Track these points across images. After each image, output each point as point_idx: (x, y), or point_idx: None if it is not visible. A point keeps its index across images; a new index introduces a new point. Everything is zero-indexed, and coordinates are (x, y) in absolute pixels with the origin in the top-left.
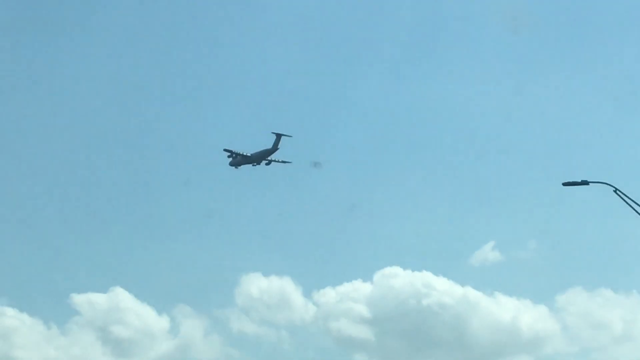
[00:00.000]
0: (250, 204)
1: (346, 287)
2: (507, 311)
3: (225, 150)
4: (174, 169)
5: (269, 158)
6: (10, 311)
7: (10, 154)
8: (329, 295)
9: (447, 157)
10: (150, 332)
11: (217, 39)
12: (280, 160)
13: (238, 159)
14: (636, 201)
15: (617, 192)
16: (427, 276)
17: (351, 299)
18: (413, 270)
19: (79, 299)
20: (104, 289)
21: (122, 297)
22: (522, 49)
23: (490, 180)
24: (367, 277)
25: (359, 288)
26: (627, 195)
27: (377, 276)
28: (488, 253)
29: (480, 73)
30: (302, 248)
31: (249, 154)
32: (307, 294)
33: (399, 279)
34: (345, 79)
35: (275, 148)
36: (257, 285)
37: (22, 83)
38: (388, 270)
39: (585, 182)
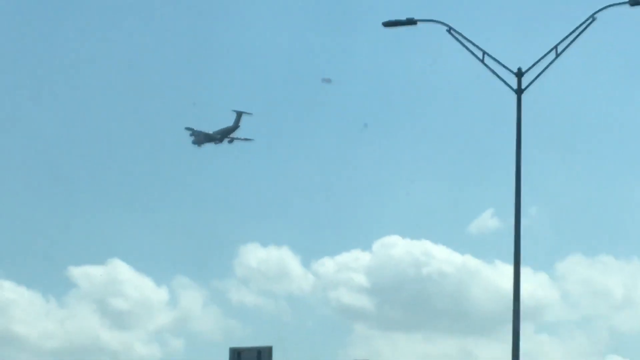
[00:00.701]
0: (244, 175)
1: (344, 257)
2: (507, 279)
3: (187, 128)
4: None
5: (231, 136)
6: (7, 284)
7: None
8: (327, 265)
9: (444, 123)
10: (149, 303)
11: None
12: (242, 138)
13: (200, 137)
14: None
15: None
16: (426, 245)
17: (350, 268)
18: (412, 239)
19: (77, 272)
20: (101, 261)
21: (120, 269)
22: None
23: (486, 146)
24: (365, 246)
25: (357, 257)
26: None
27: (376, 245)
28: (487, 220)
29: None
30: (299, 218)
31: (210, 132)
32: (305, 264)
33: (398, 248)
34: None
35: (236, 126)
36: (255, 255)
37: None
38: (387, 239)
39: None
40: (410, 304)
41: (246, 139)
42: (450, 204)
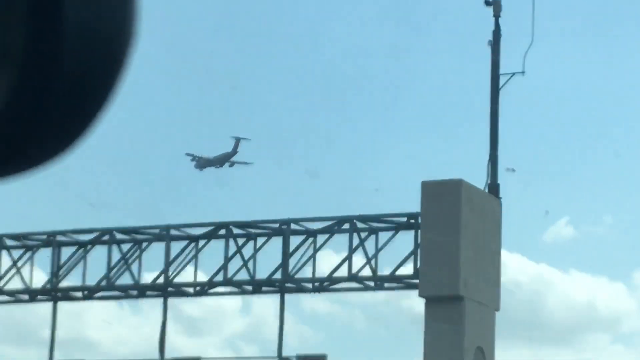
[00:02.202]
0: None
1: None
2: (582, 289)
3: (188, 154)
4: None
5: (231, 160)
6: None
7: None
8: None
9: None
10: (222, 310)
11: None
12: (242, 162)
13: (202, 162)
14: None
15: None
16: (502, 254)
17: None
18: None
19: (150, 278)
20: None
21: (191, 275)
22: None
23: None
24: None
25: None
26: None
27: None
28: (562, 229)
29: None
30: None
31: (211, 157)
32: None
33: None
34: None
35: (235, 151)
36: (330, 262)
37: None
38: None
39: None
40: None
41: (245, 163)
42: (524, 212)
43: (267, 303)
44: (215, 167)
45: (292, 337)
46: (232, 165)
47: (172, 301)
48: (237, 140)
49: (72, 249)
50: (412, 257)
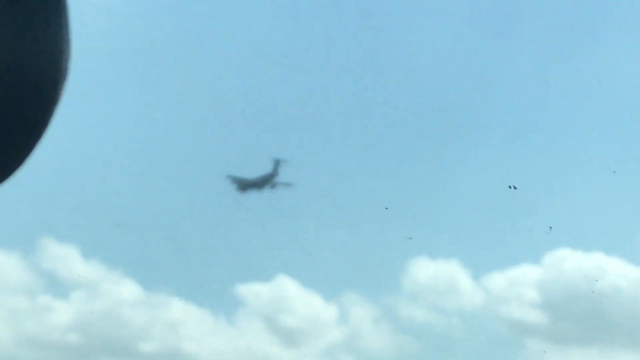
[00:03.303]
0: (411, 188)
1: (514, 271)
2: None
3: (230, 176)
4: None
5: (273, 181)
6: (176, 302)
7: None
8: (497, 279)
9: (616, 131)
10: (318, 320)
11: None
12: (283, 183)
13: (244, 185)
14: None
15: None
16: (599, 257)
17: (520, 283)
18: (584, 252)
19: (244, 289)
20: (268, 278)
21: (287, 285)
22: None
23: None
24: (535, 260)
25: (527, 271)
26: None
27: (546, 259)
28: None
29: None
30: (466, 231)
31: (252, 179)
32: (475, 277)
33: (569, 261)
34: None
35: (275, 173)
36: (424, 269)
37: None
38: (557, 252)
39: None
40: (584, 318)
41: (287, 184)
42: (623, 213)
43: (364, 312)
44: (257, 189)
45: (391, 346)
46: (274, 186)
47: (266, 311)
48: (277, 161)
49: None
50: None
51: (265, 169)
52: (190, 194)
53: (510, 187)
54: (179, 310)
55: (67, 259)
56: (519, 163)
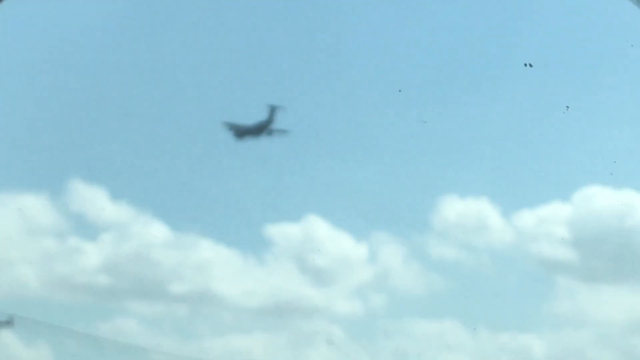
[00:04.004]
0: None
1: (544, 209)
2: None
3: (226, 123)
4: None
5: (269, 128)
6: (206, 242)
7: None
8: (527, 217)
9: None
10: (348, 260)
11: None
12: (279, 130)
13: (241, 131)
14: None
15: None
16: (629, 194)
17: (550, 220)
18: (614, 189)
19: (273, 230)
20: (297, 218)
21: (317, 225)
22: None
23: None
24: (565, 197)
25: (557, 209)
26: None
27: (576, 196)
28: None
29: None
30: (496, 168)
31: (247, 125)
32: (504, 215)
33: (599, 199)
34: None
35: (271, 120)
36: (453, 207)
37: None
38: (587, 189)
39: None
40: (614, 255)
41: (283, 130)
42: None
43: (394, 251)
44: (253, 136)
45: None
46: (270, 133)
47: (297, 250)
48: (273, 108)
49: None
50: None
51: (286, 115)
52: (211, 140)
53: (567, 107)
54: (209, 251)
55: (95, 200)
56: (547, 101)
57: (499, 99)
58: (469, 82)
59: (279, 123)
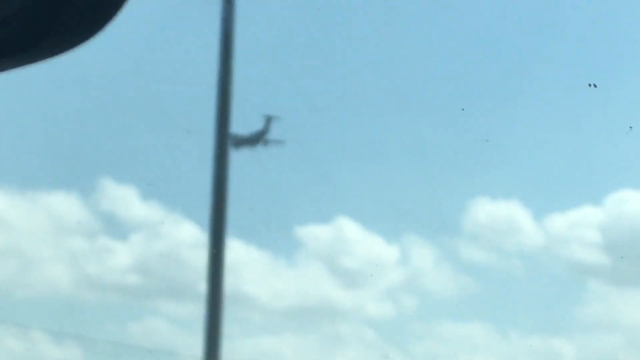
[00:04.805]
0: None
1: (576, 212)
2: None
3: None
4: None
5: (265, 138)
6: (237, 244)
7: None
8: (558, 220)
9: None
10: (379, 262)
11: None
12: (275, 140)
13: (238, 141)
14: None
15: None
16: None
17: (582, 224)
18: None
19: (303, 231)
20: (328, 220)
21: (347, 227)
22: None
23: None
24: (596, 201)
25: (589, 212)
26: None
27: (608, 200)
28: None
29: None
30: (527, 171)
31: (245, 136)
32: (536, 218)
33: (631, 203)
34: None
35: (266, 129)
36: (484, 210)
37: None
38: (619, 193)
39: None
40: None
41: (279, 141)
42: None
43: (424, 253)
44: (250, 145)
45: (451, 287)
46: (266, 143)
47: (327, 253)
48: (268, 118)
49: None
50: None
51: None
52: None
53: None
54: (239, 252)
55: (125, 199)
56: (579, 102)
57: (527, 99)
58: (497, 78)
59: (312, 124)
